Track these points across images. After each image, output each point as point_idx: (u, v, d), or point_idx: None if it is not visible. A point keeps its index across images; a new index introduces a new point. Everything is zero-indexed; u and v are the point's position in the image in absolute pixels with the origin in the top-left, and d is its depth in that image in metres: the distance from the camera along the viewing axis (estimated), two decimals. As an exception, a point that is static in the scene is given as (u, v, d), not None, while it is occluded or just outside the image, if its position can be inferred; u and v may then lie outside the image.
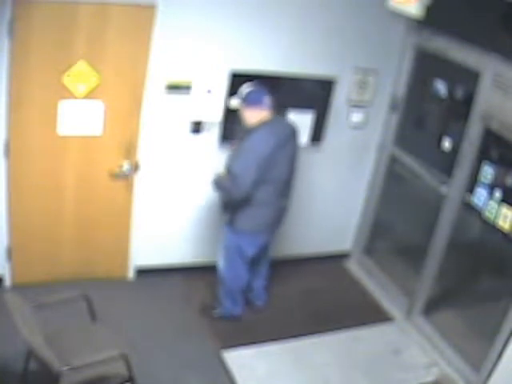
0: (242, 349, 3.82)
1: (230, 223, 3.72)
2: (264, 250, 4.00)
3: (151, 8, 3.52)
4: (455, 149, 3.92)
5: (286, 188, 3.74)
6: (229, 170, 3.53)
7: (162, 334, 3.84)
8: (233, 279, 3.91)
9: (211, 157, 4.10)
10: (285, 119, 3.95)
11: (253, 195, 3.54)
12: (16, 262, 3.94)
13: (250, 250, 3.80)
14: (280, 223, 3.91)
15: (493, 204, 3.59)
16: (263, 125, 3.51)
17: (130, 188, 4.03)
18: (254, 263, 3.99)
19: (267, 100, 3.52)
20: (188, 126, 3.97)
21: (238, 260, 3.82)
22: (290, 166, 3.70)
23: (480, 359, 3.62)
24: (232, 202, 3.61)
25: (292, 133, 3.69)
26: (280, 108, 4.04)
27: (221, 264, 3.92)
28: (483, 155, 3.71)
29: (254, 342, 3.88)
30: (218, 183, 3.60)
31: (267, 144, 3.46)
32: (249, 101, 3.52)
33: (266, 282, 4.26)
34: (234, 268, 3.86)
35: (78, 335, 3.11)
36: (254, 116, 3.52)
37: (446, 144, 4.07)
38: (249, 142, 3.49)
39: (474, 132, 3.73)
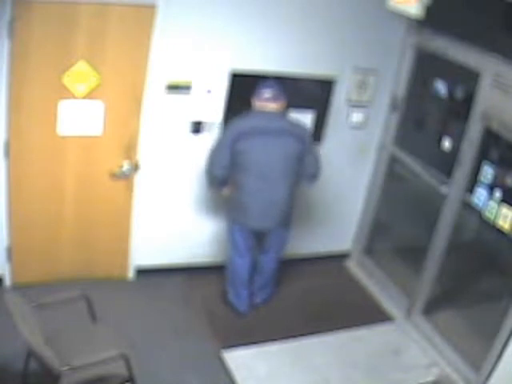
0: (242, 349, 3.82)
1: (226, 215, 4.04)
2: (262, 248, 4.09)
3: (151, 8, 3.52)
4: (455, 149, 3.92)
5: (273, 181, 3.71)
6: None
7: (161, 334, 3.84)
8: (230, 269, 4.13)
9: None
10: (286, 118, 3.87)
11: (236, 180, 3.75)
12: (16, 262, 3.94)
13: (239, 240, 3.98)
14: (272, 219, 3.85)
15: (493, 204, 3.59)
16: (253, 112, 3.71)
17: (130, 188, 4.03)
18: (254, 258, 4.11)
19: (265, 94, 3.66)
20: (188, 126, 3.98)
21: (232, 250, 4.04)
22: (279, 161, 3.68)
23: (480, 359, 3.61)
24: (213, 180, 3.80)
25: (284, 130, 3.69)
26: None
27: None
28: (483, 155, 3.71)
29: (254, 342, 3.88)
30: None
31: (240, 126, 3.66)
32: (254, 91, 3.72)
33: (255, 291, 4.25)
34: (231, 258, 4.07)
35: (78, 335, 3.11)
36: (254, 104, 3.71)
37: (446, 144, 4.07)
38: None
39: (473, 132, 3.73)
